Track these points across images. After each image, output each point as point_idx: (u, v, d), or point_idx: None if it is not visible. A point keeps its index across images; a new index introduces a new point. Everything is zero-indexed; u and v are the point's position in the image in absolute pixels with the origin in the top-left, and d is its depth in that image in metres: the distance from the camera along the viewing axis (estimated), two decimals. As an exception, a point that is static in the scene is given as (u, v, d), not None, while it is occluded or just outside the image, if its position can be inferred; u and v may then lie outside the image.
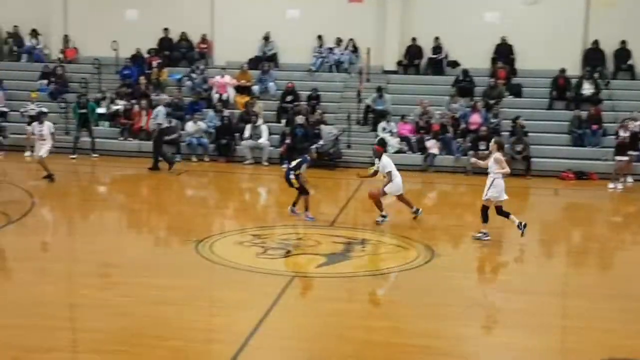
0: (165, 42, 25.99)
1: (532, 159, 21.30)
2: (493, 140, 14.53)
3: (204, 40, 25.92)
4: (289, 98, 23.62)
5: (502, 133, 22.04)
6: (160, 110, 21.32)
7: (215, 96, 23.91)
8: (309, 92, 23.75)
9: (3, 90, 24.28)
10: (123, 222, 15.88)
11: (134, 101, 23.12)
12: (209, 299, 10.56)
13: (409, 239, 13.50)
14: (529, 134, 21.96)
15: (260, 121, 22.35)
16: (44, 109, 22.45)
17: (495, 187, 13.24)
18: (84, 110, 22.30)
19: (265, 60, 25.14)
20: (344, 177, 20.57)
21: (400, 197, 14.82)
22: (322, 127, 22.08)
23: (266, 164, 21.76)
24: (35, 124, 18.59)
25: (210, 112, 23.10)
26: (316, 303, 10.57)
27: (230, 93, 24.05)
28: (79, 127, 22.27)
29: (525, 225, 13.34)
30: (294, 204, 14.93)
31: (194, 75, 24.60)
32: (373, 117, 23.01)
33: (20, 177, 19.76)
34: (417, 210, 14.87)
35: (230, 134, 22.32)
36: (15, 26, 26.77)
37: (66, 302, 10.37)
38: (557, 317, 10.11)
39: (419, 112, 22.69)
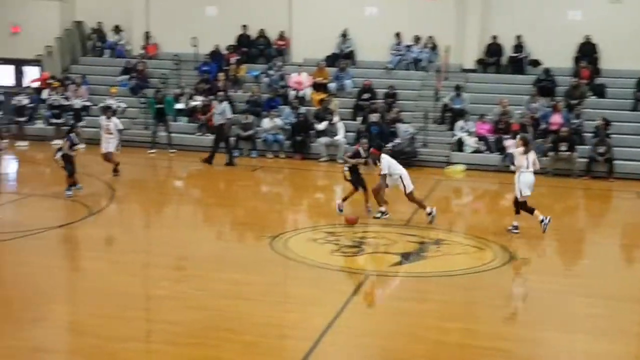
0: (243, 39, 26.20)
1: (615, 162, 20.69)
2: (519, 136, 14.74)
3: (281, 37, 26.04)
4: (365, 96, 23.53)
5: (584, 134, 21.49)
6: (226, 105, 21.51)
7: (292, 93, 23.98)
8: (385, 90, 23.60)
9: (86, 84, 24.85)
10: (198, 216, 16.05)
11: (211, 97, 23.38)
12: (283, 295, 10.57)
13: (485, 240, 13.25)
14: (612, 135, 21.33)
15: (336, 118, 22.32)
16: (123, 104, 22.93)
17: (522, 183, 13.41)
18: (160, 105, 22.64)
19: (342, 58, 25.10)
20: (420, 176, 20.31)
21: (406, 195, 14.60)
22: (399, 125, 21.92)
23: (341, 161, 21.69)
24: (102, 118, 18.78)
25: (287, 109, 23.18)
26: (390, 302, 10.48)
27: (307, 90, 24.10)
28: (156, 121, 22.62)
29: (549, 221, 13.30)
30: (366, 201, 14.88)
31: (271, 72, 24.73)
32: (450, 116, 22.72)
33: (101, 170, 20.17)
34: (385, 211, 14.62)
35: (306, 130, 22.36)
36: (99, 22, 27.37)
37: (143, 293, 10.54)
38: (638, 324, 9.78)
39: (499, 112, 22.29)
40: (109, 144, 18.19)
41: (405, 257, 12.10)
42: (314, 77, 24.37)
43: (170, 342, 8.44)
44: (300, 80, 24.06)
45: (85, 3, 27.54)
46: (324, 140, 21.99)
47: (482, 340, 8.80)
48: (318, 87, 24.25)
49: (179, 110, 23.55)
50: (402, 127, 21.78)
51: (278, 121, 22.48)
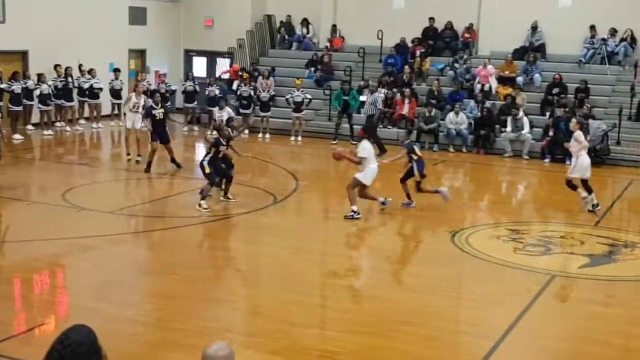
0: (429, 31, 25.98)
1: None
2: (574, 120, 15.84)
3: (469, 29, 25.59)
4: (555, 90, 22.66)
5: None
6: (378, 96, 21.33)
7: (477, 86, 23.52)
8: (577, 85, 22.61)
9: (274, 77, 25.56)
10: (376, 208, 16.07)
11: (395, 90, 23.35)
12: (464, 291, 10.38)
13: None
14: None
15: (521, 113, 21.65)
16: (308, 96, 23.33)
17: (580, 165, 14.17)
18: (346, 98, 22.88)
19: (531, 51, 24.31)
20: (611, 175, 19.37)
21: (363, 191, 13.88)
22: (591, 121, 20.90)
23: (526, 157, 21.06)
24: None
25: (471, 103, 22.76)
26: (576, 305, 10.04)
27: (493, 83, 23.55)
28: (340, 114, 22.87)
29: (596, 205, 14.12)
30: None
31: (456, 65, 24.38)
32: (646, 113, 21.44)
33: (286, 159, 20.73)
34: (385, 201, 14.19)
35: (491, 125, 21.85)
36: (288, 16, 28.06)
37: (323, 281, 10.69)
38: None
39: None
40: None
41: (595, 259, 11.53)
42: (501, 71, 23.77)
43: (348, 330, 8.49)
44: (487, 74, 23.54)
45: (277, -3, 28.35)
46: (509, 135, 21.40)
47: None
48: (505, 80, 23.64)
49: (363, 102, 23.73)
50: (594, 124, 20.77)
51: (462, 115, 22.11)
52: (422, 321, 8.80)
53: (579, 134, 14.38)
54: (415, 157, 14.81)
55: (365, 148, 13.76)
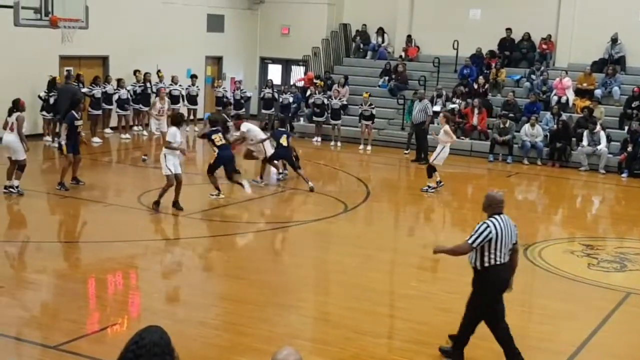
0: (506, 42, 25.67)
1: None
2: None
3: (547, 40, 25.18)
4: (634, 104, 22.11)
5: None
6: (427, 103, 21.19)
7: (554, 99, 23.12)
8: (657, 99, 22.01)
9: (348, 85, 25.59)
10: (447, 218, 15.97)
11: (469, 100, 23.14)
12: (536, 306, 10.21)
13: None
14: None
15: (599, 127, 21.18)
16: (374, 111, 23.16)
17: None
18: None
19: (611, 63, 23.79)
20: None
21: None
22: (671, 136, 20.35)
23: (603, 172, 20.58)
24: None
25: (547, 115, 22.38)
26: (653, 325, 9.74)
27: (570, 96, 23.11)
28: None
29: None
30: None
31: (533, 77, 24.02)
32: None
33: (357, 168, 20.75)
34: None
35: (567, 138, 21.43)
36: (363, 25, 28.10)
37: (392, 291, 10.66)
38: None
39: None
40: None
41: (673, 278, 11.20)
42: (579, 83, 23.33)
43: (418, 341, 8.45)
44: (564, 86, 23.12)
45: (353, 6, 28.40)
46: (585, 149, 20.96)
47: None
48: (582, 93, 23.18)
49: (435, 112, 23.56)
50: (674, 139, 20.21)
51: (538, 127, 21.74)
52: (492, 335, 8.67)
53: None
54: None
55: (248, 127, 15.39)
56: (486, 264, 7.49)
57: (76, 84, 21.29)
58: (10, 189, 14.36)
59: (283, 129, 16.87)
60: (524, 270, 11.34)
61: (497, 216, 7.50)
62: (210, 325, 8.78)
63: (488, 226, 7.41)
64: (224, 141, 15.12)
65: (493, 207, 7.54)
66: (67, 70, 21.95)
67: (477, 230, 7.44)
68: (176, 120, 14.06)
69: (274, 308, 9.37)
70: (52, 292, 9.94)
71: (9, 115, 14.43)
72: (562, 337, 8.75)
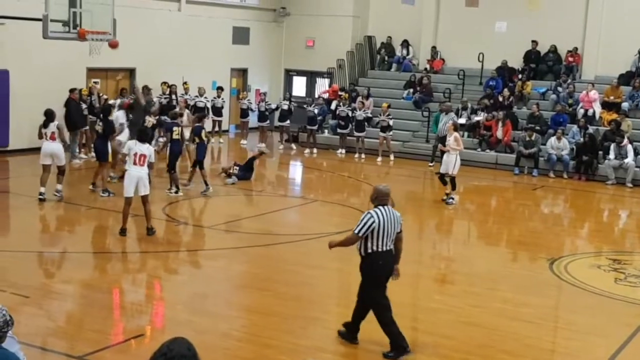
0: (532, 54, 25.56)
1: None
2: None
3: (573, 53, 25.03)
4: (662, 117, 21.91)
5: None
6: (454, 116, 21.12)
7: (580, 111, 22.95)
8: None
9: (372, 97, 25.58)
10: (473, 232, 15.88)
11: (495, 113, 23.04)
12: (563, 321, 10.11)
13: None
14: None
15: (626, 140, 20.99)
16: (387, 122, 23.11)
17: None
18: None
19: (638, 76, 23.57)
20: None
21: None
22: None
23: (630, 185, 20.37)
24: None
25: (574, 128, 22.22)
26: (681, 341, 9.60)
27: (596, 109, 22.94)
28: (438, 135, 22.67)
29: None
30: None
31: (559, 89, 23.88)
32: None
33: (380, 180, 20.70)
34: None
35: (593, 151, 21.25)
36: (389, 37, 28.11)
37: (416, 304, 10.59)
38: None
39: None
40: None
41: (702, 293, 11.04)
42: (606, 96, 23.15)
43: (444, 355, 8.40)
44: (590, 99, 22.95)
45: (378, 18, 28.42)
46: (612, 162, 20.77)
47: None
48: (609, 106, 23.00)
49: (461, 125, 23.46)
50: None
51: (565, 140, 21.58)
52: (521, 350, 8.61)
53: None
54: (198, 141, 16.40)
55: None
56: (369, 250, 8.16)
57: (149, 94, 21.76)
58: (55, 194, 15.09)
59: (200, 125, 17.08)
60: (551, 285, 11.28)
61: (381, 207, 8.15)
62: (234, 337, 8.78)
63: (372, 216, 8.06)
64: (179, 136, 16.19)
65: (379, 199, 8.24)
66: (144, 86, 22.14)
67: (362, 220, 8.07)
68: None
69: (298, 320, 9.35)
70: (78, 303, 10.00)
71: (45, 126, 14.96)
72: (590, 352, 8.65)
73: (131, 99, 18.78)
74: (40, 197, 14.91)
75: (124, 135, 16.20)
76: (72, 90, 20.08)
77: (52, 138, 14.93)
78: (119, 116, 17.12)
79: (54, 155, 14.97)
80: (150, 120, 17.19)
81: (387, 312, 8.31)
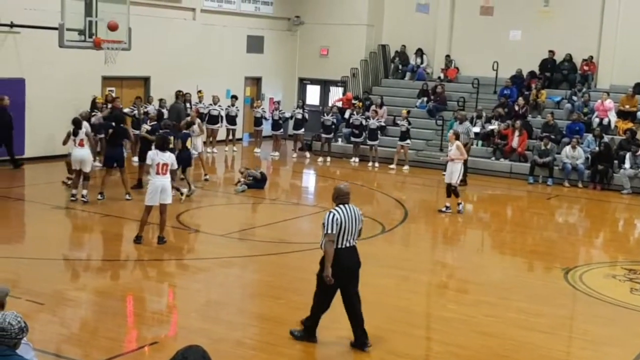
0: (547, 63, 25.49)
1: None
2: None
3: (588, 62, 24.94)
4: (677, 126, 21.80)
5: None
6: (469, 125, 21.05)
7: (596, 120, 22.86)
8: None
9: (385, 106, 25.58)
10: (487, 241, 15.82)
11: (509, 121, 22.98)
12: (577, 331, 10.04)
13: None
14: None
15: (641, 149, 20.89)
16: (407, 126, 23.12)
17: None
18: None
19: (653, 85, 23.48)
20: None
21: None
22: None
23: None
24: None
25: (589, 137, 22.13)
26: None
27: (612, 118, 22.84)
28: (452, 144, 22.64)
29: None
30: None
31: (574, 98, 23.80)
32: None
33: (394, 189, 20.70)
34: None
35: (609, 160, 21.16)
36: (403, 45, 28.12)
37: (430, 313, 10.56)
38: None
39: None
40: None
41: None
42: (621, 105, 23.05)
43: (456, 365, 8.35)
44: (606, 108, 22.86)
45: (392, 27, 28.43)
46: (628, 171, 20.67)
47: None
48: (625, 115, 22.90)
49: (475, 133, 23.42)
50: None
51: (580, 149, 21.50)
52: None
53: None
54: (180, 147, 16.45)
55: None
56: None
57: (181, 102, 22.79)
58: (82, 198, 15.70)
59: (187, 132, 17.51)
60: (565, 295, 11.22)
61: (342, 206, 8.43)
62: (248, 345, 8.78)
63: (335, 213, 8.32)
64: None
65: (340, 198, 8.55)
66: (177, 91, 23.29)
67: (327, 220, 8.32)
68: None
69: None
70: (92, 310, 10.03)
71: (75, 134, 15.64)
72: (604, 363, 8.60)
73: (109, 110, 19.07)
74: (72, 198, 15.80)
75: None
76: (112, 100, 20.45)
77: (81, 145, 15.66)
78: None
79: (82, 161, 15.63)
80: (145, 127, 17.38)
81: (319, 311, 8.74)
